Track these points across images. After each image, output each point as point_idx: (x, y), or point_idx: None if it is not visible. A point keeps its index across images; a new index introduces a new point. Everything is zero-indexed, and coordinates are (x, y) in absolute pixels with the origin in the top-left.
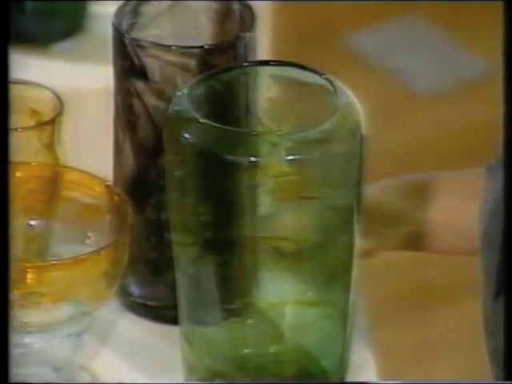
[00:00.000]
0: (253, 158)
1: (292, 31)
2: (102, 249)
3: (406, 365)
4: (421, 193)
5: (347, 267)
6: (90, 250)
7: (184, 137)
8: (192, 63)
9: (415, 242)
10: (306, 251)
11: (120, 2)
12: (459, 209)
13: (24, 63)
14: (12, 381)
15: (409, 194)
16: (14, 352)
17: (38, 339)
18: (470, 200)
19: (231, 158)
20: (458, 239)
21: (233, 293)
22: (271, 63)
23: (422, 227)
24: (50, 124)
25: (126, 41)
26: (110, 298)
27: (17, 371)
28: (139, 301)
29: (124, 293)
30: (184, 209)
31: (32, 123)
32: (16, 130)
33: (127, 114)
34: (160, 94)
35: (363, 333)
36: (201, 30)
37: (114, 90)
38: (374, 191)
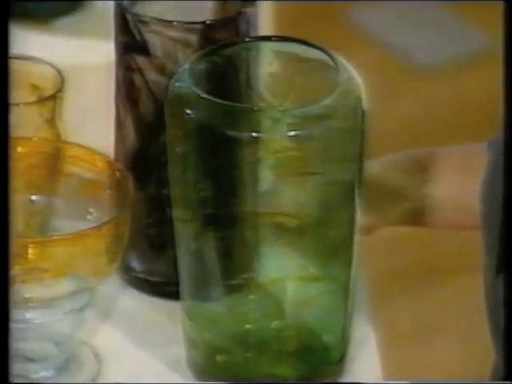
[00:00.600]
0: (254, 134)
1: (293, 7)
2: (103, 224)
3: (407, 340)
4: (422, 168)
5: (348, 243)
6: (91, 225)
7: (185, 112)
8: (193, 39)
9: (416, 217)
10: (308, 227)
11: None
12: (461, 184)
13: (25, 38)
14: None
15: (410, 170)
16: (16, 327)
17: (39, 314)
18: (472, 175)
19: (233, 133)
20: (459, 214)
21: (234, 268)
22: (273, 39)
23: (424, 203)
24: (51, 99)
25: (128, 16)
26: (111, 273)
27: (18, 346)
28: (141, 276)
29: (125, 268)
30: (185, 184)
31: (33, 98)
32: (17, 105)
33: (128, 90)
34: (161, 70)
35: (364, 308)
36: (202, 6)
37: (115, 65)
38: (375, 166)
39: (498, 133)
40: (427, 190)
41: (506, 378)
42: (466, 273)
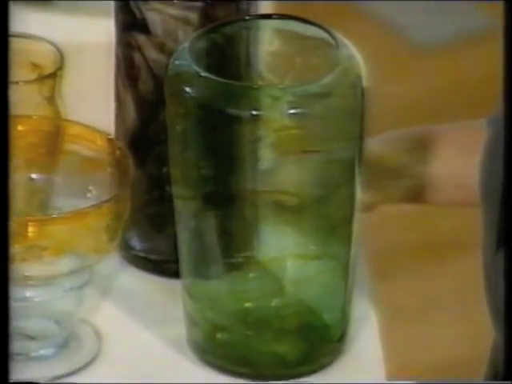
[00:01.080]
0: (254, 112)
1: None
2: (103, 202)
3: (407, 318)
4: (422, 146)
5: (348, 220)
6: (91, 203)
7: (185, 91)
8: (194, 17)
9: (416, 194)
10: (307, 205)
11: None
12: (461, 161)
13: (25, 16)
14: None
15: (410, 147)
16: (16, 305)
17: (39, 293)
18: (472, 152)
19: (232, 111)
20: (459, 191)
21: (234, 246)
22: (273, 17)
23: (423, 180)
24: (51, 77)
25: None
26: (111, 251)
27: (18, 325)
28: (141, 254)
29: (125, 246)
30: (185, 162)
31: (33, 77)
32: (17, 83)
33: (128, 68)
34: (161, 48)
35: (364, 286)
36: None
37: (115, 43)
38: (375, 144)
39: (497, 110)
40: (427, 167)
41: (505, 378)
42: (466, 250)
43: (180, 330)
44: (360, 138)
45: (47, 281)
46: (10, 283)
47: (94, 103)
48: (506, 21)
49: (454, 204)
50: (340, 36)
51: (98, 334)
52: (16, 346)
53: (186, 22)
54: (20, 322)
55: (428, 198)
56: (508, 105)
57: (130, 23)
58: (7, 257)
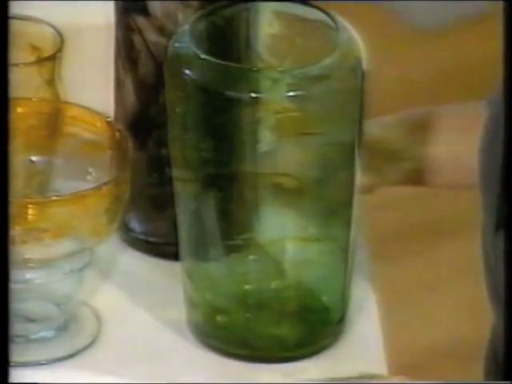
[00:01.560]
0: (254, 94)
1: None
2: (102, 185)
3: (407, 300)
4: (421, 128)
5: (348, 203)
6: (90, 185)
7: (185, 73)
8: None
9: (416, 176)
10: (307, 187)
11: None
12: (460, 143)
13: None
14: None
15: (409, 129)
16: (16, 287)
17: (39, 275)
18: (471, 133)
19: (232, 93)
20: (458, 173)
21: (234, 228)
22: None
23: (423, 162)
24: (51, 60)
25: None
26: (111, 233)
27: (18, 307)
28: (140, 237)
29: (125, 229)
30: (185, 145)
31: (33, 59)
32: (17, 65)
33: (128, 50)
34: (161, 30)
35: (364, 268)
36: None
37: (114, 25)
38: (375, 127)
39: (497, 92)
40: (426, 149)
41: (506, 378)
42: (467, 232)
43: (180, 312)
44: (360, 120)
45: (47, 263)
46: (9, 265)
47: (93, 85)
48: (506, 21)
49: (453, 186)
50: (340, 18)
51: (97, 317)
52: (16, 328)
53: (186, 4)
54: (20, 305)
55: (427, 180)
56: (507, 88)
57: (130, 5)
58: (7, 239)
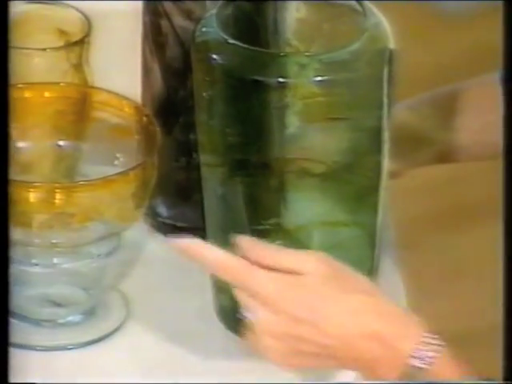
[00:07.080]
0: (281, 79)
1: None
2: (130, 169)
3: (434, 286)
4: (445, 110)
5: (375, 188)
6: (118, 170)
7: (212, 58)
8: None
9: (442, 157)
10: (334, 172)
11: None
12: (483, 119)
13: None
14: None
15: (433, 113)
16: (43, 272)
17: (66, 259)
18: (494, 108)
19: (259, 78)
20: (485, 147)
21: (261, 214)
22: None
23: (450, 143)
24: (79, 44)
25: None
26: (138, 218)
27: (46, 291)
28: (168, 222)
29: (152, 214)
30: (212, 130)
31: (60, 43)
32: (44, 50)
33: (155, 35)
34: (188, 15)
35: (391, 254)
36: None
37: (142, 10)
38: (399, 111)
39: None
40: (451, 131)
41: (506, 378)
42: (493, 219)
43: (207, 297)
44: (387, 105)
45: (74, 248)
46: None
47: (121, 70)
48: (506, 21)
49: (481, 159)
50: (367, 3)
51: (125, 301)
52: (44, 312)
53: None
54: (48, 289)
55: (453, 159)
56: (507, 89)
57: None
58: (7, 240)
